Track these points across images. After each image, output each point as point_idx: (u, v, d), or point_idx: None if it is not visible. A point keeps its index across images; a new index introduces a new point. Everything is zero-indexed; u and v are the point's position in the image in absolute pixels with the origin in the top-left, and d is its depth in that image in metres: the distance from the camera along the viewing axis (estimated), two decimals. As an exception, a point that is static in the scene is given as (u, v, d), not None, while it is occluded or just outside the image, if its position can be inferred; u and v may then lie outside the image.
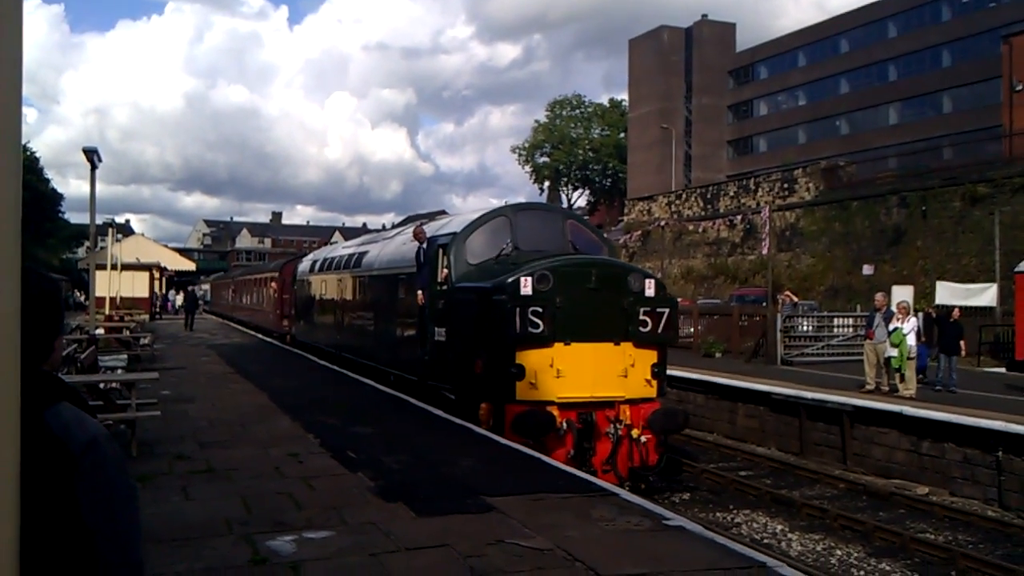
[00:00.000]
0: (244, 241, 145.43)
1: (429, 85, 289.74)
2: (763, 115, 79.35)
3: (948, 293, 30.64)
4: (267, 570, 5.79)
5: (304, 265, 29.02)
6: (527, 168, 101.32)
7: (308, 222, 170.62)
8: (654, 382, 12.79)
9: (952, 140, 51.40)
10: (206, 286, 76.38)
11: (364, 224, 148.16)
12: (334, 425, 11.92)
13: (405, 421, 12.64)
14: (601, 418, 12.34)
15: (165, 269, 61.98)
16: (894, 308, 18.89)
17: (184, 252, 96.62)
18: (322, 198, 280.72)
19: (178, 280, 75.84)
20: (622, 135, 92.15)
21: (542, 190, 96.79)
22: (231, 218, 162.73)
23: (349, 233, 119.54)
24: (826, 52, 72.36)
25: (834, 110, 70.52)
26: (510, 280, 12.05)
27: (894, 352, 18.15)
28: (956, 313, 20.15)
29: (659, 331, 12.63)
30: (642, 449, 12.54)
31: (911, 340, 18.23)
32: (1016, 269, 24.98)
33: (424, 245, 14.86)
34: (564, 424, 11.91)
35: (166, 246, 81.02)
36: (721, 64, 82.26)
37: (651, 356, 12.76)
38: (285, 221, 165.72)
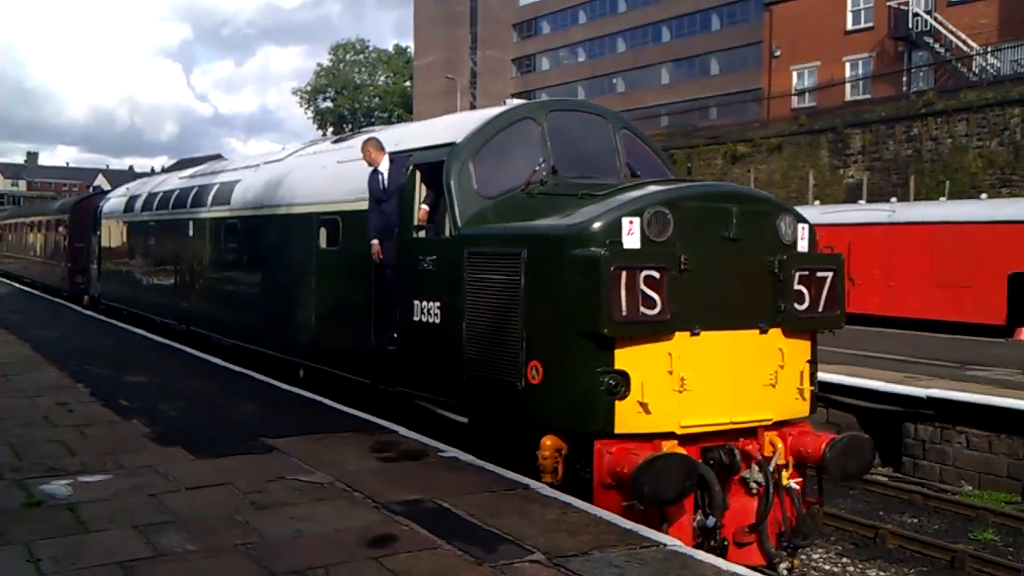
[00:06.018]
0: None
1: (207, 20, 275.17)
2: (545, 70, 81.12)
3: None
4: (43, 512, 5.76)
5: (114, 203, 22.17)
6: (309, 113, 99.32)
7: (68, 164, 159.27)
8: (807, 390, 7.74)
9: (718, 101, 54.70)
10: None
11: (131, 167, 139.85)
12: (105, 375, 11.59)
13: (182, 369, 12.45)
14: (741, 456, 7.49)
15: (-96, 212, 56.39)
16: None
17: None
18: (88, 138, 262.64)
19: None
20: (408, 83, 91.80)
21: (325, 136, 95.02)
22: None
23: (114, 176, 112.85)
24: (605, 10, 74.75)
25: (612, 68, 73.05)
26: (600, 224, 6.93)
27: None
28: None
29: (819, 309, 7.66)
30: (791, 502, 7.56)
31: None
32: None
33: (383, 167, 9.22)
34: None
35: (-96, 187, 73.53)
36: (506, 17, 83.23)
37: (804, 349, 7.78)
38: (43, 162, 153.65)
